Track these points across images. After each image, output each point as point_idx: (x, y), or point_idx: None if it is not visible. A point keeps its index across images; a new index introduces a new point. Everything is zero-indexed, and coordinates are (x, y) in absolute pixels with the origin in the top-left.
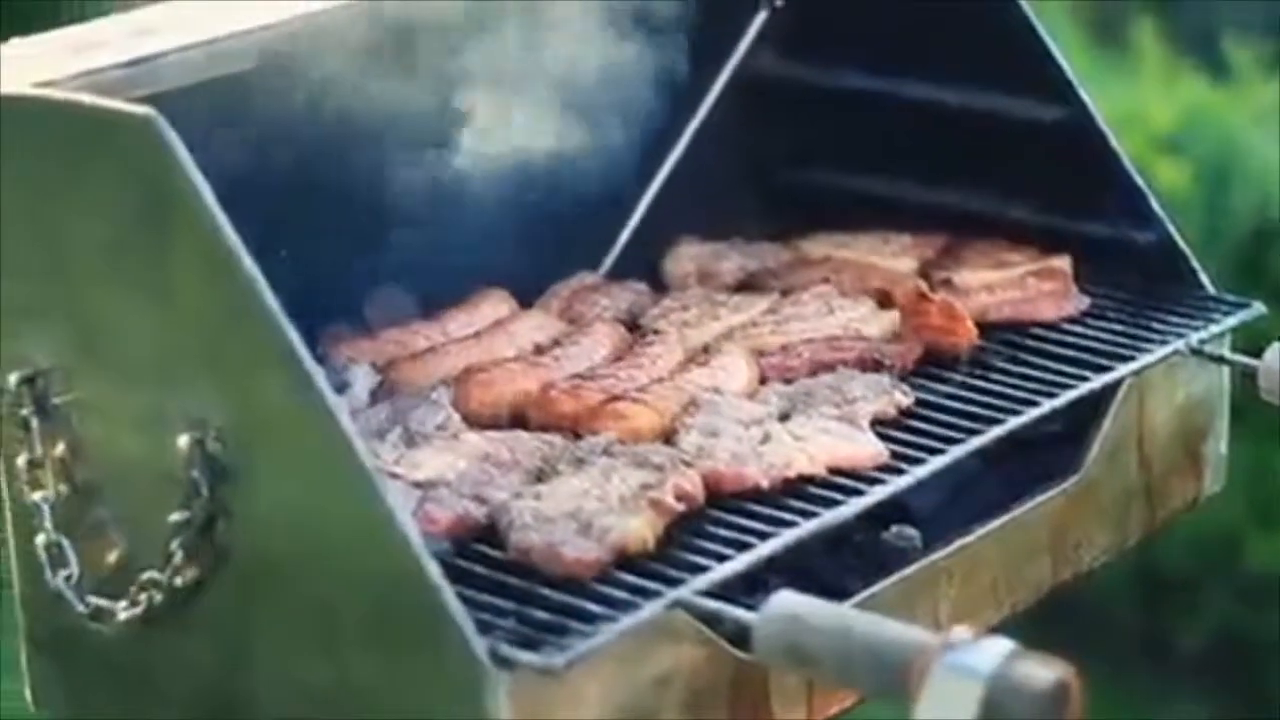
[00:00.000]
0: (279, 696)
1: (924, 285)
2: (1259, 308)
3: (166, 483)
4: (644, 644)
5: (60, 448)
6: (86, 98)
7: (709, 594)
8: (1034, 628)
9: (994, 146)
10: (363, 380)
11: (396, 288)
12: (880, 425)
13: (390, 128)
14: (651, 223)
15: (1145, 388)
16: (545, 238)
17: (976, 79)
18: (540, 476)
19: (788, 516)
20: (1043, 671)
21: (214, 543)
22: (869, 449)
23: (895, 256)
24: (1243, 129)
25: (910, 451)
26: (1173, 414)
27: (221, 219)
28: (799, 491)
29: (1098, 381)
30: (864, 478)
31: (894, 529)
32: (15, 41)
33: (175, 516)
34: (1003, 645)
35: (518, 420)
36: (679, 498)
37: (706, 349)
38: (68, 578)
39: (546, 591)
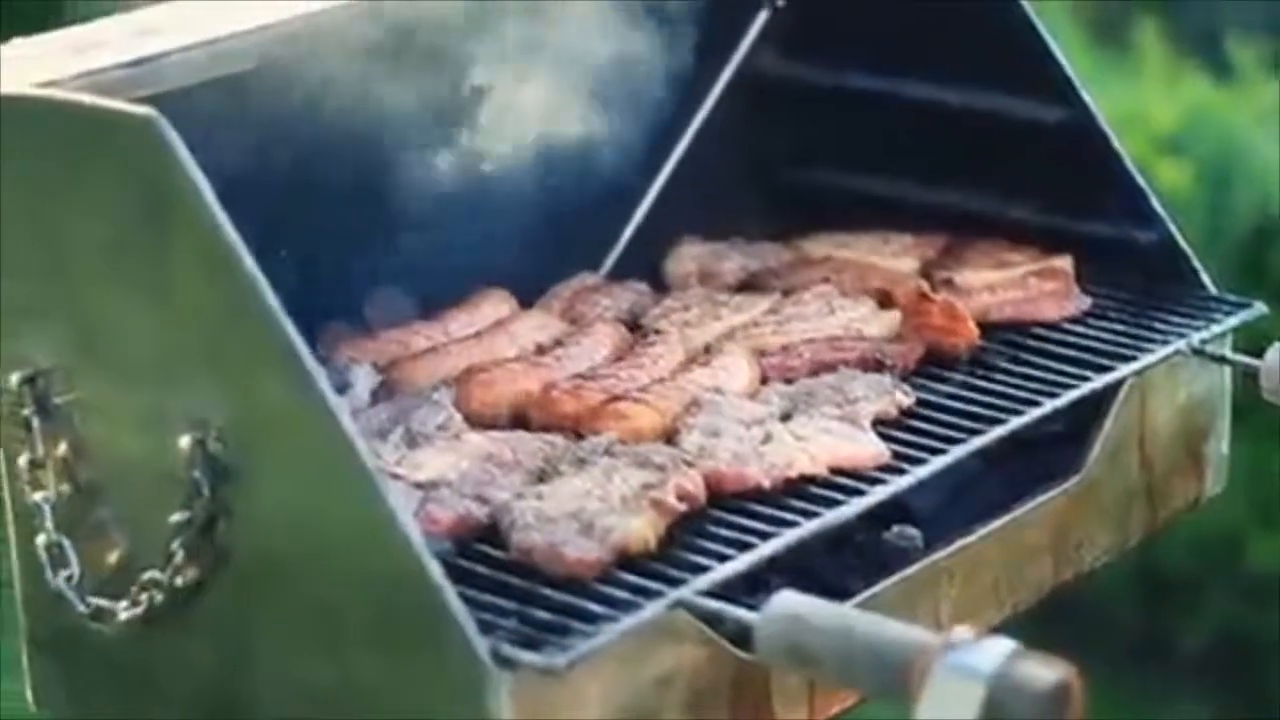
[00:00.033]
0: (280, 696)
1: (925, 285)
2: (1260, 308)
3: (168, 483)
4: (645, 644)
5: (61, 448)
6: (87, 98)
7: (710, 594)
8: (1035, 628)
9: (995, 146)
10: (364, 380)
11: (397, 288)
12: (881, 425)
13: (391, 128)
14: (653, 222)
15: (1147, 388)
16: (546, 238)
17: (978, 79)
18: (542, 476)
19: (789, 516)
20: (1044, 671)
21: (215, 543)
22: (870, 449)
23: (896, 256)
24: (1244, 129)
25: (911, 451)
26: (1174, 414)
27: (222, 219)
28: (800, 491)
29: (1099, 381)
30: (865, 478)
31: (895, 529)
32: (16, 41)
33: (176, 516)
34: (1004, 645)
35: (519, 420)
36: (680, 498)
37: (708, 349)
38: (69, 578)
39: (548, 591)
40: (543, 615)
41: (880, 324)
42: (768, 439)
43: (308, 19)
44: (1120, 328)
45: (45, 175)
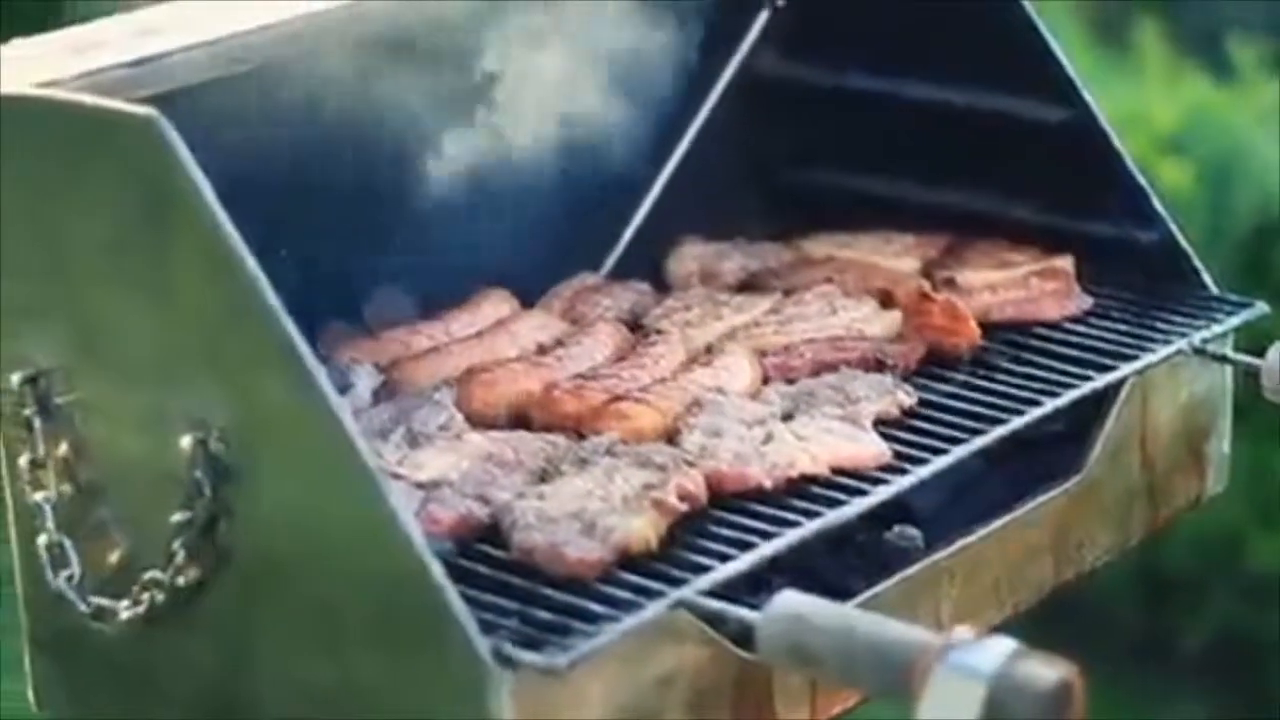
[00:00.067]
0: (281, 696)
1: (927, 285)
2: (1262, 307)
3: (169, 483)
4: (647, 644)
5: (63, 448)
6: (88, 98)
7: (712, 594)
8: (1036, 627)
9: (997, 146)
10: (365, 380)
11: (398, 287)
12: (883, 425)
13: (391, 128)
14: (654, 222)
15: (1148, 387)
16: (547, 237)
17: (979, 79)
18: (543, 476)
19: (790, 516)
20: (1045, 671)
21: (216, 543)
22: (872, 449)
23: (898, 256)
24: (1246, 129)
25: (913, 451)
26: (1175, 413)
27: (223, 218)
28: (802, 491)
29: (1100, 381)
30: (867, 477)
31: (896, 529)
32: (17, 42)
33: (177, 516)
34: (1005, 645)
35: (520, 420)
36: (682, 498)
37: (709, 349)
38: (70, 578)
39: (549, 591)
40: (544, 615)
41: (881, 324)
42: (769, 439)
43: (308, 19)
44: (1121, 327)
45: (45, 175)
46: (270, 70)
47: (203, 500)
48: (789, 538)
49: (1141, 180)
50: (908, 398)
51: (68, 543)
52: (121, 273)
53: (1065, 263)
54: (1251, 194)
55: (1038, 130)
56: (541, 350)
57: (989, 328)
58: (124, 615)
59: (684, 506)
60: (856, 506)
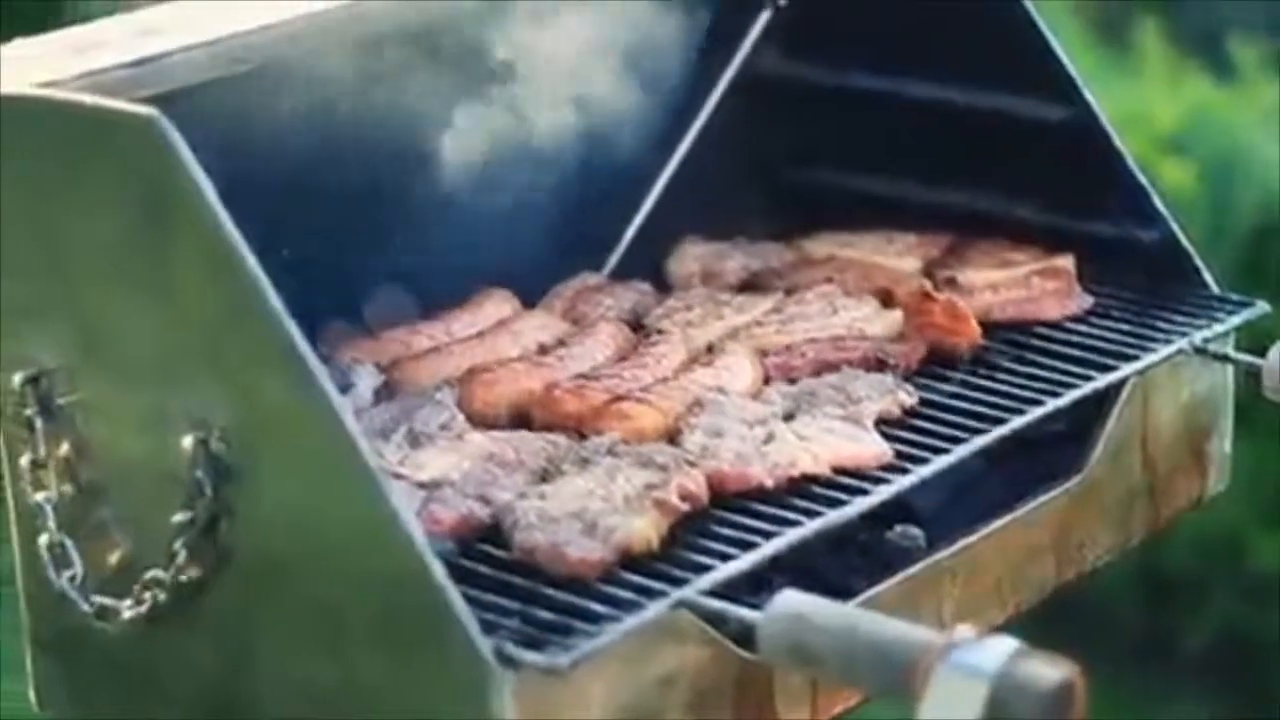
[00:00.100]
0: (283, 696)
1: (928, 284)
2: (1263, 306)
3: (170, 482)
4: (648, 644)
5: (64, 448)
6: (88, 98)
7: (713, 594)
8: (1037, 627)
9: (998, 146)
10: (367, 380)
11: (399, 287)
12: (884, 425)
13: (392, 127)
14: (655, 222)
15: (1149, 387)
16: (549, 237)
17: (980, 78)
18: (545, 476)
19: (792, 516)
20: (1047, 671)
21: (218, 542)
22: (873, 448)
23: (899, 256)
24: (1247, 129)
25: (914, 451)
26: (1177, 413)
27: (224, 218)
28: (803, 491)
29: (1102, 381)
30: (868, 477)
31: (898, 528)
32: (17, 41)
33: (179, 516)
34: (1007, 644)
35: (522, 420)
36: (683, 497)
37: (710, 349)
38: (71, 578)
39: (551, 591)
40: (545, 615)
41: (883, 323)
42: (770, 438)
43: (309, 19)
44: (1123, 327)
45: (46, 175)
46: (271, 70)
47: (204, 500)
48: (790, 537)
49: (1142, 180)
50: (909, 397)
51: (69, 542)
52: (122, 273)
53: (1066, 262)
54: (1253, 194)
55: (1039, 130)
56: (543, 350)
57: (990, 327)
58: (126, 615)
59: (685, 506)
60: (858, 506)
